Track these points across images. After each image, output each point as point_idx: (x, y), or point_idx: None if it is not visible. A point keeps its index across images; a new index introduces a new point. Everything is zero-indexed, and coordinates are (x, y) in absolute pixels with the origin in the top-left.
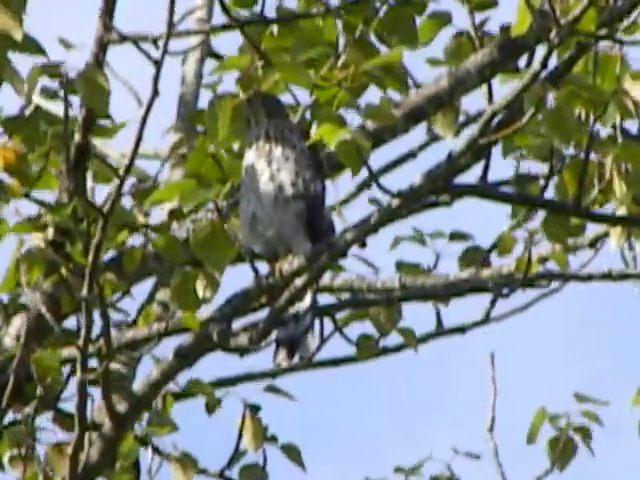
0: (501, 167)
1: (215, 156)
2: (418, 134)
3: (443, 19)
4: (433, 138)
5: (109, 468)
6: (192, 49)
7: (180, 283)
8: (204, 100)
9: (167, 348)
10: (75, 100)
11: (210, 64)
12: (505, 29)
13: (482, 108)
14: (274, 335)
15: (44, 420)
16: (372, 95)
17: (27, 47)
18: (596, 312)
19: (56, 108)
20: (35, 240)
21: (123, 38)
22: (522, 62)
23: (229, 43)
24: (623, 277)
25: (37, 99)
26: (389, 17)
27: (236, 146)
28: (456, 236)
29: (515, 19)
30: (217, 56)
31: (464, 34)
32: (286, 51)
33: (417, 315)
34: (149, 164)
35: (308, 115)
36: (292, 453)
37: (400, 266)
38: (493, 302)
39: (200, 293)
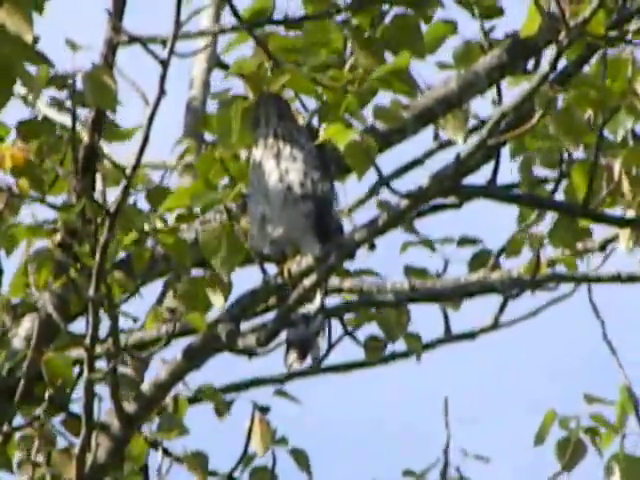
0: (510, 170)
1: (223, 161)
2: (428, 138)
3: (449, 28)
4: (441, 145)
5: (117, 469)
6: (201, 51)
7: (188, 288)
8: (211, 110)
9: (176, 350)
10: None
11: (217, 74)
12: (511, 36)
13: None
14: (282, 336)
15: (54, 423)
16: (379, 102)
17: (34, 58)
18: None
19: (64, 119)
20: (44, 242)
21: (132, 39)
22: (531, 65)
23: (236, 54)
24: (632, 279)
25: (45, 110)
26: (396, 25)
27: (243, 154)
28: (465, 241)
29: (525, 20)
30: (224, 66)
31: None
32: (295, 52)
33: (426, 320)
34: (158, 175)
35: (315, 121)
36: (300, 458)
37: (408, 271)
38: (502, 307)
39: (212, 299)
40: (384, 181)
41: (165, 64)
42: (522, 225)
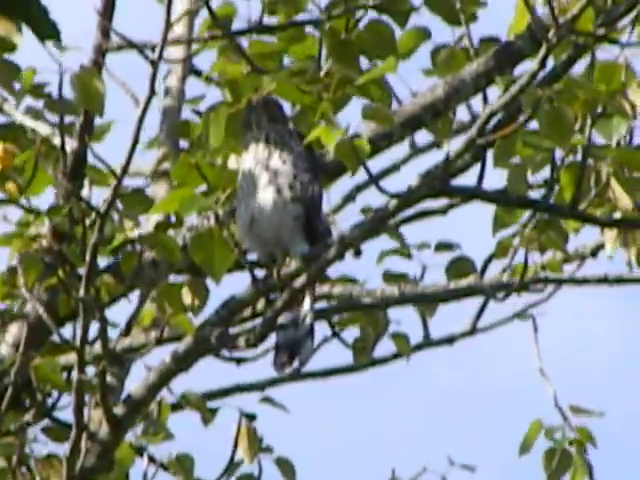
0: (494, 176)
1: (199, 167)
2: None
3: (422, 34)
4: (416, 151)
5: (106, 472)
6: (187, 58)
7: (164, 294)
8: (187, 116)
9: (162, 356)
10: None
11: (192, 81)
12: (486, 40)
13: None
14: (272, 339)
15: (36, 431)
16: (353, 109)
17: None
18: None
19: (41, 127)
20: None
21: (123, 45)
22: (518, 71)
23: (209, 60)
24: (619, 281)
25: (21, 118)
26: (369, 30)
27: (219, 160)
28: (442, 246)
29: (512, 19)
30: (198, 73)
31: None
32: (272, 57)
33: (405, 325)
34: (132, 182)
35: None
36: (285, 468)
37: (387, 276)
38: (480, 313)
39: (187, 301)
40: (372, 178)
41: (155, 64)
42: (499, 229)
